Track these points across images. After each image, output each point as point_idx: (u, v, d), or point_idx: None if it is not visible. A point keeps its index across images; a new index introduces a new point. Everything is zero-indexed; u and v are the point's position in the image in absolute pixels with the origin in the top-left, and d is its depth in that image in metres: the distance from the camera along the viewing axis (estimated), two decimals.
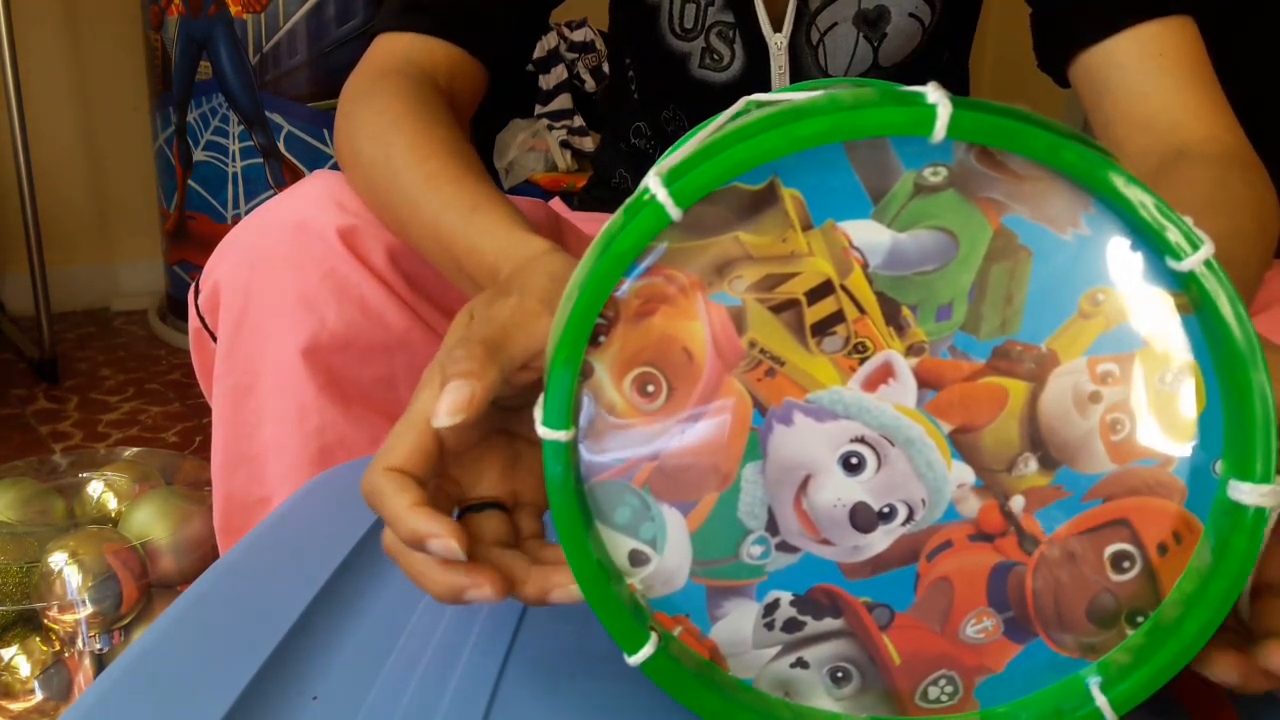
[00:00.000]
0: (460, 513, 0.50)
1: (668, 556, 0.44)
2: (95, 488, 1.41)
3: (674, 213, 0.39)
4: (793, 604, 0.44)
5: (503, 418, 0.50)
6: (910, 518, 0.42)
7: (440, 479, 0.49)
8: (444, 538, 0.43)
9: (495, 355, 0.46)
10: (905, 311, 0.41)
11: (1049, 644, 0.44)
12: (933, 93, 0.38)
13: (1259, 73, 2.12)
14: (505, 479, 0.50)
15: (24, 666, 1.23)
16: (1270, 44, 2.41)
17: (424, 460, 0.46)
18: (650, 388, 0.42)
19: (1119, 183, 0.38)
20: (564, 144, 2.62)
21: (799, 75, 0.93)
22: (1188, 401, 0.41)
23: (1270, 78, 2.26)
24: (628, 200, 0.41)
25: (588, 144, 2.62)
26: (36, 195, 2.36)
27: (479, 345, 0.46)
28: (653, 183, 0.39)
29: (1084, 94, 0.83)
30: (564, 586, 0.45)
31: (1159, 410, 0.41)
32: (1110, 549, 0.42)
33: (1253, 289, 0.67)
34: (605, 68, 2.72)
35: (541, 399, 0.42)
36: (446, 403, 0.44)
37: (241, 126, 2.41)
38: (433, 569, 0.45)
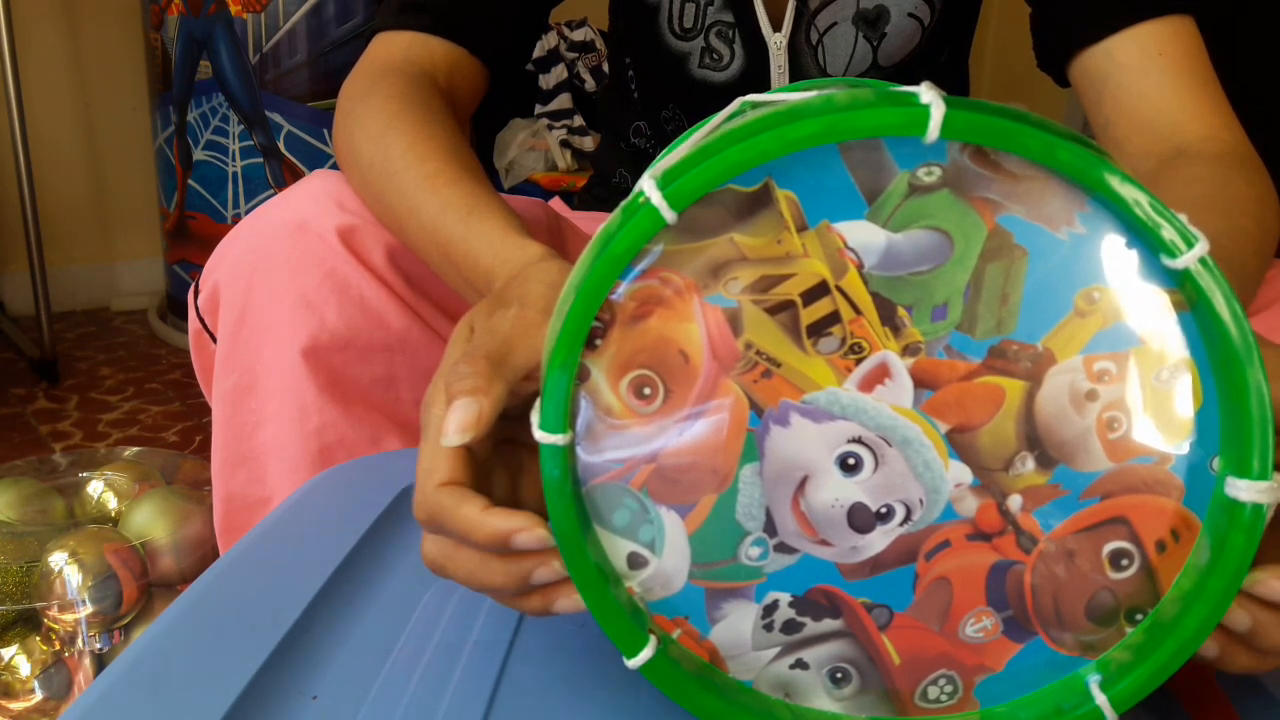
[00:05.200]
0: None
1: (666, 559, 0.44)
2: (95, 487, 1.41)
3: (669, 215, 0.39)
4: (792, 605, 0.44)
5: (507, 427, 0.50)
6: (908, 518, 0.42)
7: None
8: (531, 529, 0.43)
9: (499, 369, 0.46)
10: (901, 312, 0.41)
11: (1048, 643, 0.44)
12: (926, 93, 0.38)
13: (1259, 72, 2.12)
14: (511, 488, 0.50)
15: (24, 666, 1.24)
16: (1270, 44, 2.41)
17: (468, 469, 0.46)
18: (647, 390, 0.42)
19: (1114, 181, 0.38)
20: (564, 144, 2.62)
21: (798, 75, 0.93)
22: (1184, 399, 0.41)
23: (1270, 77, 2.26)
24: (623, 203, 0.41)
25: (588, 144, 2.62)
26: (36, 195, 2.36)
27: (483, 360, 0.46)
28: (647, 185, 0.39)
29: (1084, 94, 0.83)
30: (568, 596, 0.45)
31: (1156, 408, 0.41)
32: (1109, 547, 0.42)
33: (1252, 288, 0.67)
34: (605, 68, 2.72)
35: (538, 403, 0.42)
36: (455, 421, 0.44)
37: (241, 126, 2.41)
38: (492, 563, 0.45)
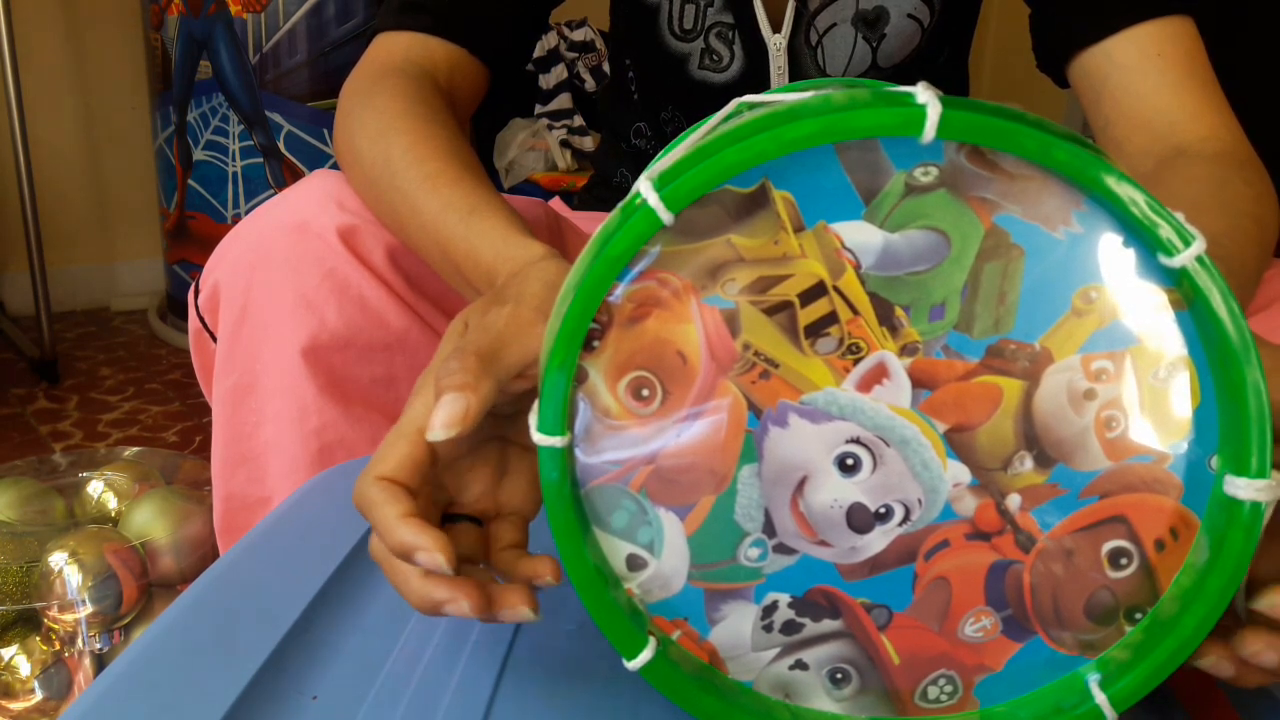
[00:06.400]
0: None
1: (665, 560, 0.44)
2: (95, 487, 1.41)
3: (666, 217, 0.39)
4: (791, 606, 0.44)
5: (495, 425, 0.50)
6: (907, 518, 0.42)
7: (429, 486, 0.49)
8: (431, 551, 0.43)
9: (490, 366, 0.46)
10: (898, 312, 0.41)
11: (1048, 642, 0.44)
12: (922, 93, 0.38)
13: (1259, 72, 2.12)
14: (492, 487, 0.50)
15: (24, 666, 1.24)
16: (1270, 44, 2.41)
17: (415, 470, 0.46)
18: (645, 391, 0.42)
19: (1110, 180, 0.38)
20: (564, 144, 2.62)
21: (798, 76, 0.93)
22: (1182, 397, 0.41)
23: (1270, 78, 2.26)
24: (620, 204, 0.41)
25: (588, 144, 2.62)
26: (36, 195, 2.36)
27: (473, 356, 0.46)
28: (644, 187, 0.39)
29: (1083, 94, 0.83)
30: (513, 606, 0.45)
31: (1153, 407, 0.41)
32: (1107, 546, 0.42)
33: (1251, 287, 0.67)
34: (605, 68, 2.72)
35: (536, 405, 0.42)
36: (442, 416, 0.44)
37: (241, 126, 2.41)
38: (413, 579, 0.45)
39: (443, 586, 0.44)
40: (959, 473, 0.42)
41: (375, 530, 0.45)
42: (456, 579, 0.45)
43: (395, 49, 0.85)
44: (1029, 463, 0.42)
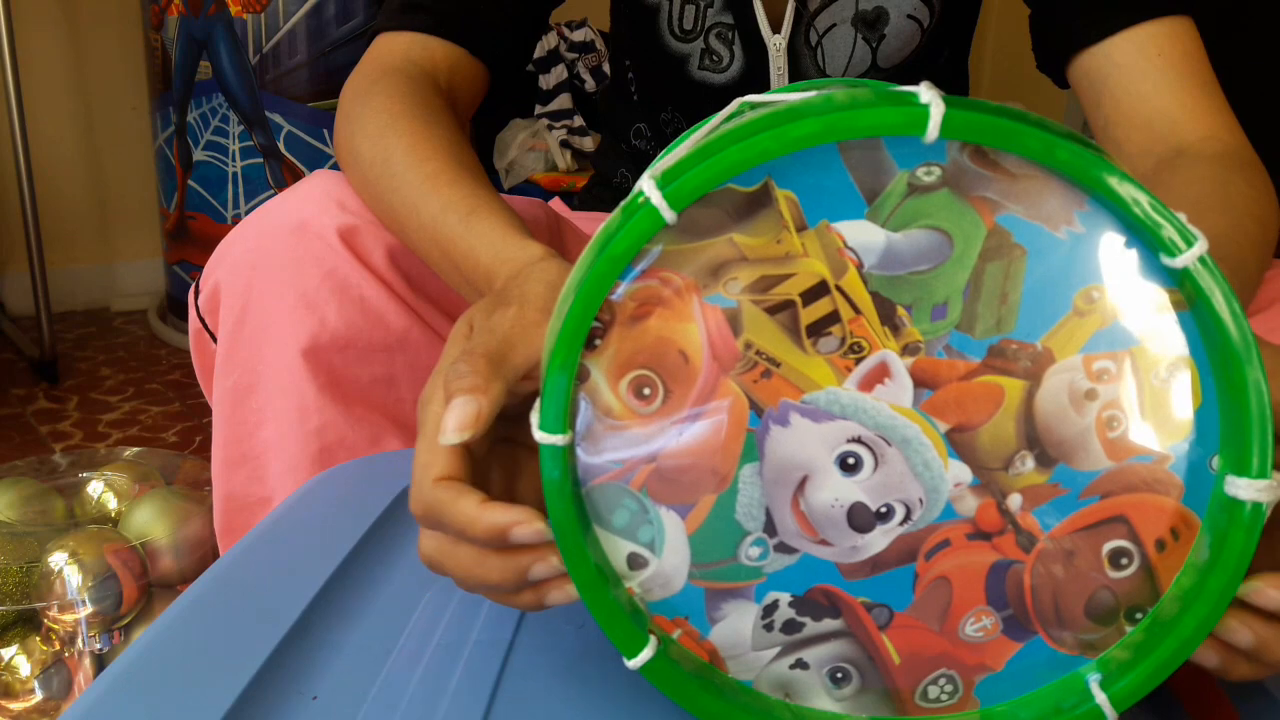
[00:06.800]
0: None
1: (666, 559, 0.44)
2: (95, 488, 1.42)
3: (668, 215, 0.39)
4: (792, 605, 0.44)
5: (503, 426, 0.50)
6: (908, 517, 0.42)
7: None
8: (528, 522, 0.43)
9: (498, 368, 0.46)
10: (900, 311, 0.41)
11: (1048, 642, 0.44)
12: (925, 92, 0.38)
13: (1258, 72, 2.12)
14: (507, 487, 0.50)
15: (24, 666, 1.24)
16: (1270, 44, 2.41)
17: (465, 466, 0.46)
18: (646, 390, 0.42)
19: (1113, 180, 0.38)
20: (564, 144, 2.62)
21: (798, 76, 0.93)
22: (1183, 398, 0.41)
23: (1270, 78, 2.26)
24: (623, 203, 0.41)
25: (588, 144, 2.62)
26: (36, 195, 2.36)
27: (482, 359, 0.46)
28: (647, 185, 0.39)
29: (1083, 94, 0.83)
30: (560, 589, 0.45)
31: (1155, 407, 0.41)
32: (1108, 546, 0.42)
33: (1252, 288, 0.67)
34: (605, 68, 2.73)
35: (538, 403, 0.42)
36: (454, 419, 0.44)
37: (241, 126, 2.41)
38: (489, 559, 0.45)
39: (526, 551, 0.44)
40: (960, 472, 0.42)
41: (456, 529, 0.44)
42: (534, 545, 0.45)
43: (395, 49, 0.85)
44: (1030, 463, 0.42)
